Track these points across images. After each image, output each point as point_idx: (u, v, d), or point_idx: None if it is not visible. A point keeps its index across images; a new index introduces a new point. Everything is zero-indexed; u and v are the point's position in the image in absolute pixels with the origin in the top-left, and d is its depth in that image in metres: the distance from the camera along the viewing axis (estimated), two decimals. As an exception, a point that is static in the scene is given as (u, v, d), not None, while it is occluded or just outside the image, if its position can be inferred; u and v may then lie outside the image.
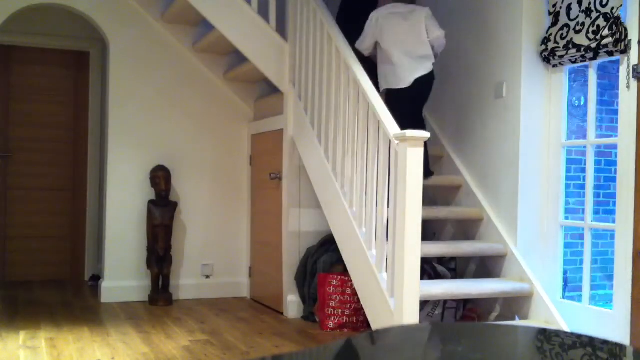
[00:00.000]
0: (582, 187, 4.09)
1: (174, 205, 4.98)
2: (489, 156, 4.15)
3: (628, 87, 3.43)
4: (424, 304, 3.93)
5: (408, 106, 3.98)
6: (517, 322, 3.70)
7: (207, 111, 5.22)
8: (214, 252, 5.23)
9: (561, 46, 3.81)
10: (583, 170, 4.28)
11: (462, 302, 4.07)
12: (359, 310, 4.14)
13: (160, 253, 4.88)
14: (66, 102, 5.92)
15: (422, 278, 3.89)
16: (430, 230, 4.57)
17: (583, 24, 3.70)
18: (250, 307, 4.89)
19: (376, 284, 3.42)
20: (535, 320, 3.70)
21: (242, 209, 5.31)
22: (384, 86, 4.05)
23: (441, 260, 4.24)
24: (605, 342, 1.17)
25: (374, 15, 4.05)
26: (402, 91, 3.99)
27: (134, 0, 5.01)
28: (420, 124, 4.05)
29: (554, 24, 3.88)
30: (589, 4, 3.67)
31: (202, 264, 5.19)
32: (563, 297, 3.98)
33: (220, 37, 4.63)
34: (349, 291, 4.13)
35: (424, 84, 4.02)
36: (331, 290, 4.14)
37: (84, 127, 5.94)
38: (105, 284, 4.95)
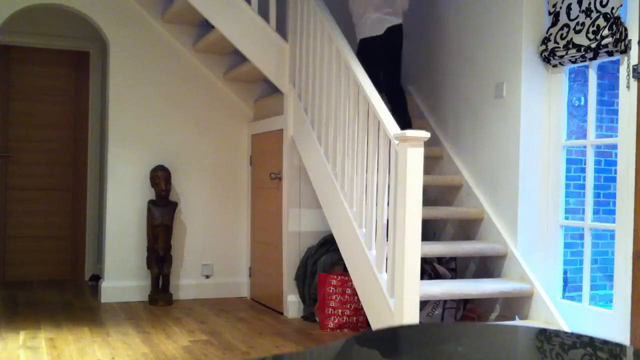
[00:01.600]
0: (582, 187, 4.09)
1: (174, 205, 4.98)
2: (489, 156, 4.15)
3: (628, 87, 3.43)
4: (424, 304, 3.93)
5: (383, 54, 4.40)
6: (517, 322, 3.70)
7: (207, 111, 5.22)
8: (214, 252, 5.23)
9: (561, 46, 3.81)
10: (583, 170, 4.28)
11: (462, 302, 4.07)
12: (359, 310, 4.14)
13: (160, 253, 4.89)
14: (66, 102, 5.92)
15: (422, 278, 3.89)
16: (430, 230, 4.57)
17: (583, 24, 3.70)
18: (250, 307, 4.89)
19: (376, 284, 3.42)
20: (535, 320, 3.70)
21: (242, 209, 5.31)
22: (359, 36, 4.45)
23: (441, 260, 4.24)
24: (605, 342, 1.17)
25: None
26: (376, 39, 4.38)
27: (134, 0, 5.02)
28: (397, 86, 4.46)
29: (554, 24, 3.88)
30: (589, 4, 3.67)
31: (202, 264, 5.19)
32: (563, 297, 3.98)
33: (220, 37, 4.63)
34: (349, 291, 4.13)
35: (395, 33, 4.42)
36: (331, 290, 4.14)
37: (84, 127, 5.94)
38: (105, 284, 4.95)
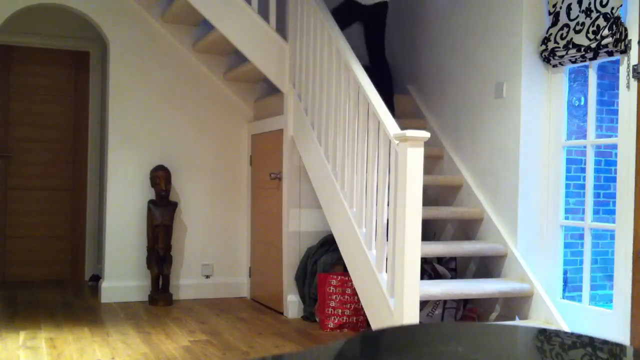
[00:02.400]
0: (582, 187, 4.09)
1: (174, 205, 4.98)
2: (489, 156, 4.15)
3: (628, 87, 3.43)
4: (424, 304, 3.93)
5: (358, 20, 4.60)
6: (517, 322, 3.70)
7: (207, 111, 5.22)
8: (214, 252, 5.23)
9: (561, 46, 3.81)
10: (583, 170, 4.28)
11: (462, 302, 4.07)
12: (359, 310, 4.14)
13: (160, 253, 4.89)
14: (66, 102, 5.92)
15: (422, 278, 3.89)
16: (430, 230, 4.57)
17: (583, 24, 3.70)
18: (250, 307, 4.89)
19: (376, 284, 3.42)
20: (535, 320, 3.70)
21: (242, 209, 5.31)
22: None
23: (441, 260, 4.24)
24: (605, 342, 1.17)
25: None
26: (362, 7, 4.51)
27: (134, 0, 5.02)
28: (383, 60, 4.63)
29: (554, 24, 3.88)
30: (589, 4, 3.67)
31: (202, 264, 5.19)
32: (563, 297, 3.98)
33: (220, 37, 4.63)
34: (349, 291, 4.13)
35: (382, 9, 4.56)
36: (331, 290, 4.14)
37: (84, 127, 5.94)
38: (105, 284, 4.95)
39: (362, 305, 3.69)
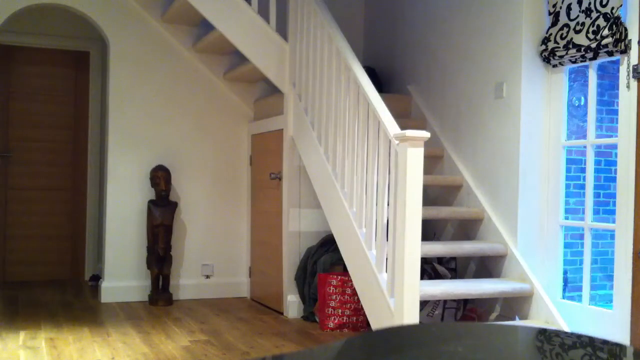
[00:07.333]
0: (582, 187, 4.09)
1: (174, 205, 4.98)
2: (489, 156, 4.15)
3: (628, 87, 3.43)
4: (424, 304, 3.93)
5: None
6: (517, 322, 3.70)
7: (207, 111, 5.22)
8: (214, 252, 5.23)
9: (561, 46, 3.81)
10: (583, 170, 4.28)
11: (462, 302, 4.07)
12: (359, 310, 4.14)
13: (160, 253, 4.89)
14: (66, 102, 5.92)
15: (422, 278, 3.90)
16: (430, 230, 4.57)
17: (583, 24, 3.70)
18: (250, 307, 4.89)
19: (376, 284, 3.42)
20: (535, 320, 3.70)
21: (242, 209, 5.31)
22: None
23: (441, 260, 4.24)
24: (605, 342, 1.17)
25: None
26: None
27: (134, 0, 5.02)
28: None
29: (554, 24, 3.88)
30: (589, 4, 3.67)
31: (202, 264, 5.19)
32: (563, 297, 3.98)
33: (220, 37, 4.63)
34: (349, 291, 4.13)
35: None
36: (331, 290, 4.14)
37: (84, 127, 5.94)
38: (105, 284, 4.95)
39: (362, 305, 3.69)
